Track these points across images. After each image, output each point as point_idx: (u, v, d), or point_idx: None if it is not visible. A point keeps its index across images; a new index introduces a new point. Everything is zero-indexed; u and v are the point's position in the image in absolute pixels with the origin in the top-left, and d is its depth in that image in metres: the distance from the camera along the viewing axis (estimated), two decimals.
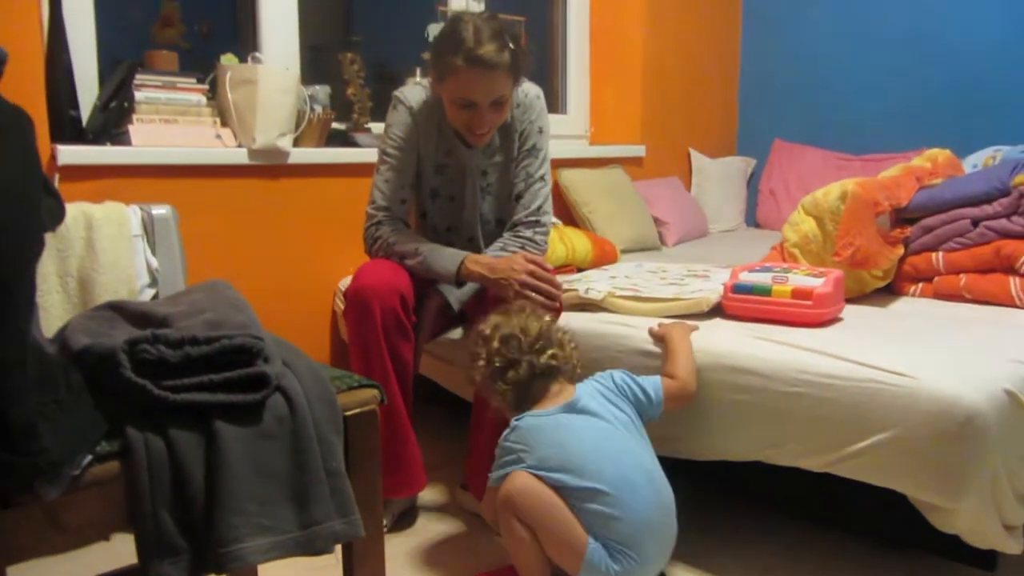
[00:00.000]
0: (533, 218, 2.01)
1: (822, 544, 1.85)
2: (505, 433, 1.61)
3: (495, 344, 1.63)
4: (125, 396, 1.02)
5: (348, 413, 1.19)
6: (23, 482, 0.89)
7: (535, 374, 1.62)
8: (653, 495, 1.53)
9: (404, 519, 1.98)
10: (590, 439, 1.55)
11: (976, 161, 2.81)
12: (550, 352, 1.63)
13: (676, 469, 1.93)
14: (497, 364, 1.62)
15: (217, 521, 1.02)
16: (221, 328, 1.13)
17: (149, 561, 1.01)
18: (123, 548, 1.87)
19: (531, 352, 1.62)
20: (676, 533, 1.59)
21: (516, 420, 1.60)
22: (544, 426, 1.57)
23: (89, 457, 0.98)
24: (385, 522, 1.91)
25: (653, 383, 1.67)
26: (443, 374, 2.28)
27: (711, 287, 2.01)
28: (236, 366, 1.09)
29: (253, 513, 1.04)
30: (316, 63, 2.71)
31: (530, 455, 1.54)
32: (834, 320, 1.86)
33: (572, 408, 1.59)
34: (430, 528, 1.95)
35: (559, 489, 1.51)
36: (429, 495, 2.12)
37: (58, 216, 1.06)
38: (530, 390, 1.62)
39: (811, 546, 1.84)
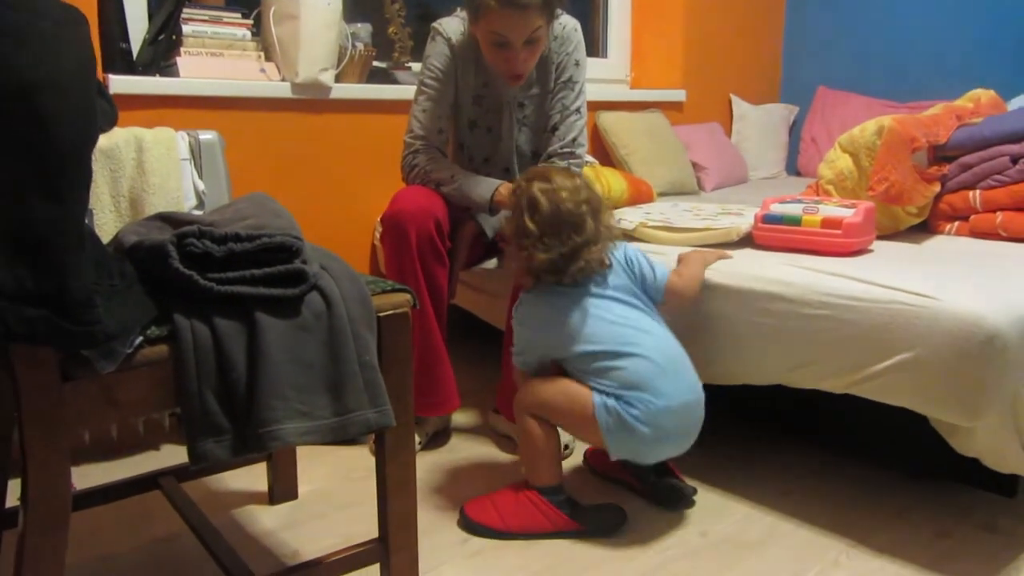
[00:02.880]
0: (568, 150, 2.04)
1: (842, 471, 1.89)
2: (515, 306, 1.69)
3: (545, 226, 1.57)
4: (173, 286, 1.10)
5: (382, 314, 1.25)
6: (80, 348, 0.96)
7: (565, 269, 1.60)
8: (652, 341, 1.58)
9: (438, 438, 2.06)
10: (580, 309, 1.60)
11: (1021, 103, 2.76)
12: (588, 258, 1.59)
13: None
14: (541, 248, 1.58)
15: (257, 404, 1.09)
16: (263, 230, 1.19)
17: (196, 439, 1.08)
18: (169, 458, 1.99)
19: (573, 256, 1.58)
20: (696, 380, 1.63)
21: (525, 293, 1.67)
22: (542, 303, 1.63)
23: (140, 338, 1.05)
24: (420, 439, 1.99)
25: (661, 268, 1.70)
26: (479, 304, 2.34)
27: (743, 220, 2.03)
28: (276, 263, 1.15)
29: (291, 399, 1.12)
30: (359, 2, 2.75)
31: (531, 331, 1.64)
32: (863, 251, 1.87)
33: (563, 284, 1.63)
34: (462, 447, 2.03)
35: (563, 361, 1.61)
36: (463, 418, 2.20)
37: (111, 118, 1.14)
38: (551, 274, 1.62)
39: (831, 473, 1.88)
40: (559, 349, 1.61)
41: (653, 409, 1.53)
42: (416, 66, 2.68)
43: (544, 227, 1.57)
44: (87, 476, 1.83)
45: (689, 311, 1.77)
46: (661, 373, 1.55)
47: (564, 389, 1.60)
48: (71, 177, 0.90)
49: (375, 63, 2.64)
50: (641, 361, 1.55)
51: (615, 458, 1.61)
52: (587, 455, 1.93)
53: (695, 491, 1.76)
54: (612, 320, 1.59)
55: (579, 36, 2.05)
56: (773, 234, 1.90)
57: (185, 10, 2.23)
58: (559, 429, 1.65)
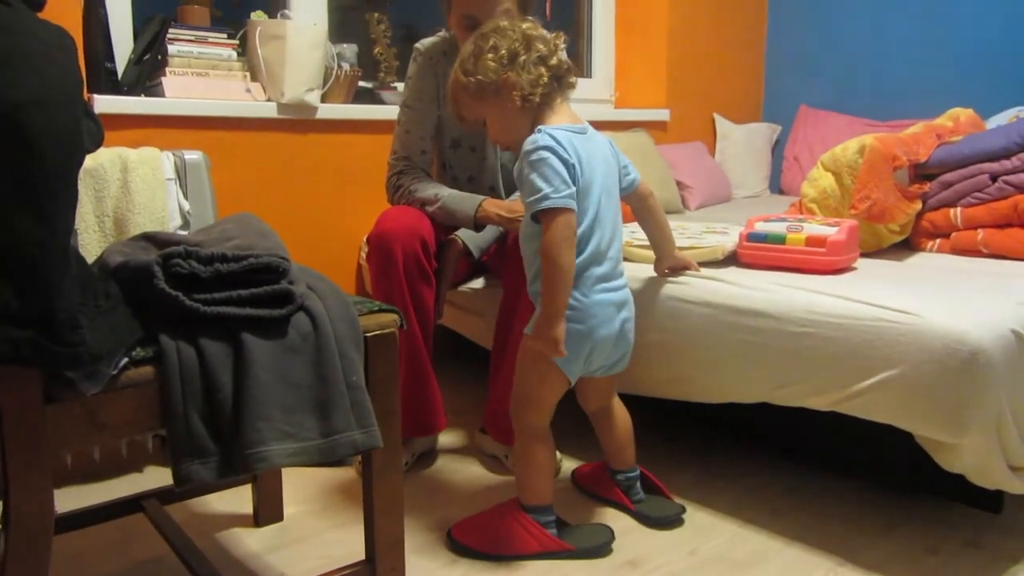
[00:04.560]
0: None
1: (829, 489, 1.89)
2: (533, 139, 1.51)
3: (532, 33, 1.57)
4: (159, 307, 1.09)
5: (369, 334, 1.25)
6: (65, 369, 0.96)
7: (561, 74, 1.58)
8: (611, 230, 1.59)
9: (424, 459, 2.05)
10: (594, 162, 1.56)
11: (1000, 121, 2.80)
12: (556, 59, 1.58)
13: (685, 414, 1.99)
14: (541, 49, 1.56)
15: (244, 425, 1.08)
16: (250, 251, 1.19)
17: (181, 461, 1.07)
18: (152, 481, 1.97)
19: (555, 52, 1.58)
20: (625, 282, 1.63)
21: (543, 129, 1.52)
22: (569, 140, 1.53)
23: (125, 359, 1.05)
24: (406, 460, 1.98)
25: (636, 170, 1.72)
26: (465, 324, 2.33)
27: (727, 239, 2.04)
28: (263, 284, 1.15)
29: (277, 420, 1.11)
30: (344, 23, 2.76)
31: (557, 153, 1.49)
32: (847, 269, 1.89)
33: (585, 133, 1.58)
34: (449, 468, 2.02)
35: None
36: (450, 439, 2.19)
37: (97, 138, 1.13)
38: (559, 91, 1.59)
39: (819, 491, 1.89)
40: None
41: (582, 304, 1.53)
42: (401, 86, 2.69)
43: (509, 47, 1.55)
44: (69, 499, 1.80)
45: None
46: (604, 263, 1.56)
47: (519, 363, 1.62)
48: (57, 197, 0.89)
49: (361, 83, 2.65)
50: (596, 243, 1.54)
51: (575, 380, 1.59)
52: (575, 474, 1.92)
53: (683, 510, 1.76)
54: (599, 189, 1.56)
55: None
56: (758, 252, 1.91)
57: (171, 30, 2.23)
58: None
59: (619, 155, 1.69)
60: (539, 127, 1.54)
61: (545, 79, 1.55)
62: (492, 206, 1.89)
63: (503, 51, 1.55)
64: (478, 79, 1.57)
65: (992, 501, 1.72)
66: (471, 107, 1.62)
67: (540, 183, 1.46)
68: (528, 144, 1.51)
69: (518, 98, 1.55)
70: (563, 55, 1.60)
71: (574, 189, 1.49)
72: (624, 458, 1.78)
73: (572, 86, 1.63)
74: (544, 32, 1.61)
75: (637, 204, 1.78)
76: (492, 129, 1.64)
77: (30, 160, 0.86)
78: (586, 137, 1.58)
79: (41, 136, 0.87)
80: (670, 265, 1.87)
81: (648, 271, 1.93)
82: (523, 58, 1.55)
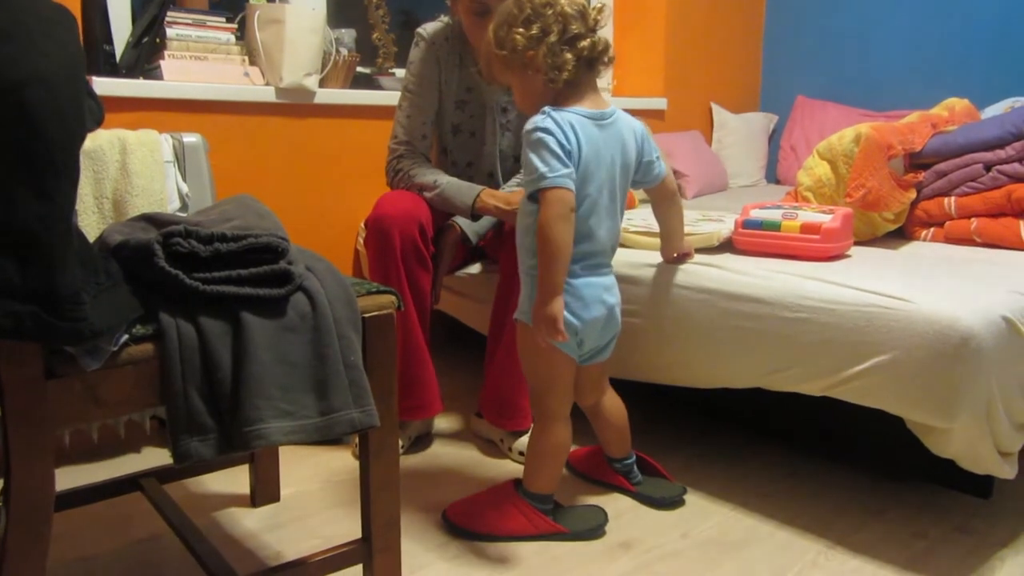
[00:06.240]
0: None
1: (821, 473, 1.91)
2: (534, 120, 1.50)
3: (569, 11, 1.51)
4: (159, 285, 1.10)
5: (367, 315, 1.26)
6: (66, 344, 0.97)
7: (594, 56, 1.54)
8: (609, 228, 1.60)
9: (420, 442, 2.06)
10: (602, 150, 1.55)
11: (995, 111, 2.81)
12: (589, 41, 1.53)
13: (679, 399, 2.01)
14: (574, 30, 1.51)
15: (243, 402, 1.09)
16: (249, 231, 1.20)
17: (180, 438, 1.08)
18: (149, 461, 1.98)
19: (594, 29, 1.54)
20: (613, 281, 1.63)
21: (547, 110, 1.51)
22: (563, 119, 1.50)
23: (125, 336, 1.06)
24: (402, 443, 1.99)
25: (662, 163, 1.72)
26: (461, 309, 2.34)
27: (723, 226, 2.05)
28: (262, 264, 1.16)
29: (276, 398, 1.12)
30: (343, 7, 2.76)
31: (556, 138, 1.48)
32: (841, 256, 1.90)
33: (603, 119, 1.56)
34: (444, 452, 2.03)
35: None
36: (445, 423, 2.20)
37: (97, 116, 1.14)
38: (586, 73, 1.56)
39: (810, 475, 1.90)
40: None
41: (570, 286, 1.54)
42: (400, 72, 2.69)
43: (542, 24, 1.50)
44: (67, 478, 1.82)
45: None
46: (597, 252, 1.58)
47: (521, 354, 1.64)
48: (59, 174, 0.90)
49: (359, 69, 2.65)
50: (590, 230, 1.55)
51: (577, 358, 1.61)
52: (569, 458, 1.94)
53: (685, 490, 1.78)
54: (603, 175, 1.55)
55: None
56: (753, 239, 1.92)
57: (169, 13, 2.23)
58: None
59: (650, 148, 1.68)
60: (544, 108, 1.52)
61: (571, 65, 1.51)
62: (490, 197, 1.89)
63: (535, 29, 1.50)
64: (504, 53, 1.55)
65: (981, 487, 1.74)
66: (501, 72, 1.61)
67: (537, 163, 1.47)
68: (529, 124, 1.51)
69: (541, 79, 1.54)
70: (599, 35, 1.55)
71: (571, 169, 1.48)
72: (621, 447, 1.79)
73: (607, 64, 1.58)
74: (586, 7, 1.54)
75: (658, 197, 1.79)
76: (516, 97, 1.64)
77: (32, 137, 0.87)
78: (602, 124, 1.55)
79: (43, 113, 0.87)
80: (679, 251, 1.87)
81: (643, 257, 1.95)
82: (553, 39, 1.50)
